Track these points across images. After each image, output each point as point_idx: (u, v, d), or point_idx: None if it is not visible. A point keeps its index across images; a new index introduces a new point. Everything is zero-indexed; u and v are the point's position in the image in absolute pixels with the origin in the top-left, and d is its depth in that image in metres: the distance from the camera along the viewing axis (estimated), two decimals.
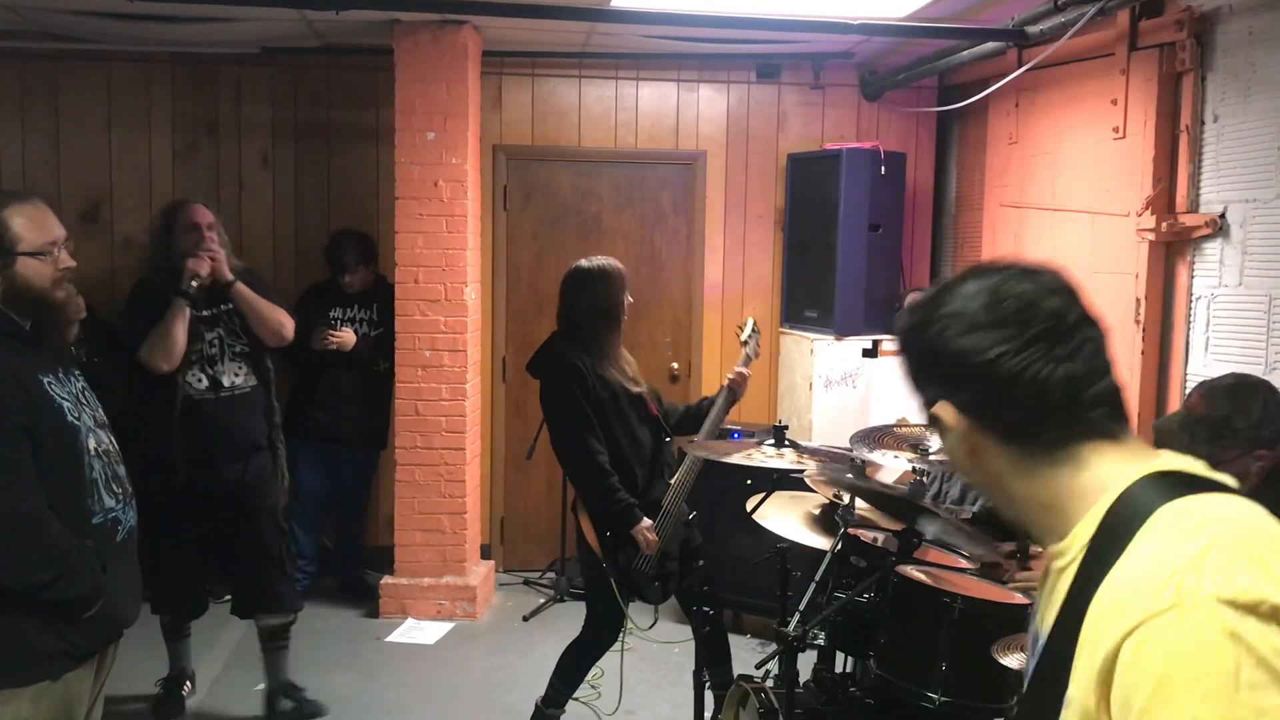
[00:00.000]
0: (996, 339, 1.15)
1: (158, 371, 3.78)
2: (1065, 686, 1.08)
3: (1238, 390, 2.47)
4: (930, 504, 2.97)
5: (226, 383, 3.92)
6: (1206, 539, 1.02)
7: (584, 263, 3.74)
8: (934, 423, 1.23)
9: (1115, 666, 1.00)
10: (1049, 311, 1.18)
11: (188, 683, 4.21)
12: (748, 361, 3.82)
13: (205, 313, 3.93)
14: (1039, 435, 1.16)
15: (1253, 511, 1.08)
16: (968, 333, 1.17)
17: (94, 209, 5.65)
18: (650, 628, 4.04)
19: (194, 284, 3.81)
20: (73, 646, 2.29)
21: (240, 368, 3.96)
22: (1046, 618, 1.17)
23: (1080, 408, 1.16)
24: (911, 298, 1.18)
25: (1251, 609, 0.96)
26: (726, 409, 3.75)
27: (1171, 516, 1.06)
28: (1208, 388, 2.53)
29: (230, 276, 3.92)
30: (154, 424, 3.83)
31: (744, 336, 3.86)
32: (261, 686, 4.21)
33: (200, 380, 3.87)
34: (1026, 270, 1.21)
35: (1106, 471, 1.14)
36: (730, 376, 3.77)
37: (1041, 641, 1.17)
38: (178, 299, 3.79)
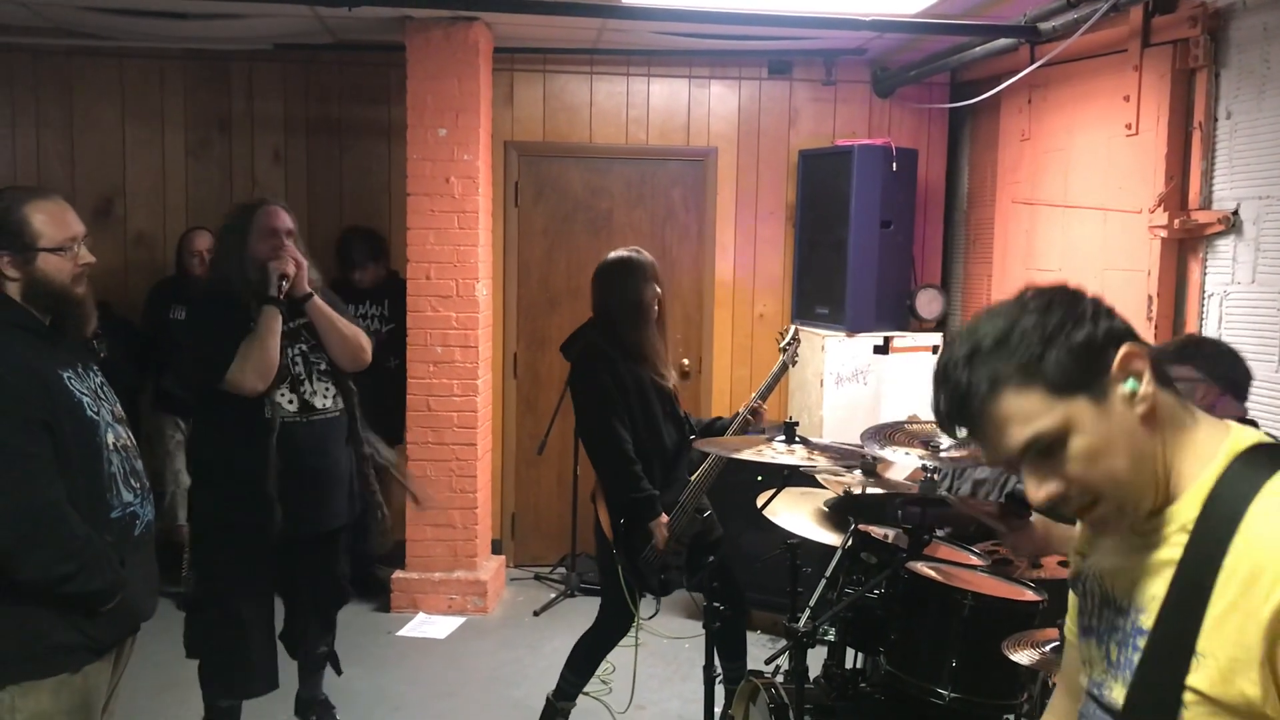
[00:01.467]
0: (1090, 307, 1.25)
1: (250, 392, 3.20)
2: (1191, 645, 1.17)
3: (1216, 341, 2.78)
4: (951, 496, 2.97)
5: (318, 404, 3.37)
6: None
7: (613, 254, 3.75)
8: (1095, 388, 1.21)
9: None
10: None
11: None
12: (784, 368, 3.80)
13: (284, 327, 3.35)
14: (1168, 375, 1.25)
15: None
16: (1091, 307, 1.25)
17: (107, 204, 5.69)
18: (651, 618, 4.04)
19: (284, 285, 3.30)
20: (91, 640, 2.31)
21: (328, 388, 3.41)
22: (1140, 584, 1.25)
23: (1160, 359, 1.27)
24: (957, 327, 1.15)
25: None
26: (739, 434, 3.74)
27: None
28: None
29: (308, 289, 3.40)
30: (239, 455, 3.23)
31: (783, 343, 3.84)
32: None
33: (290, 401, 3.31)
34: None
35: (1204, 432, 1.25)
36: (749, 409, 3.75)
37: (1146, 606, 1.24)
38: (268, 306, 3.26)
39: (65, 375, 2.30)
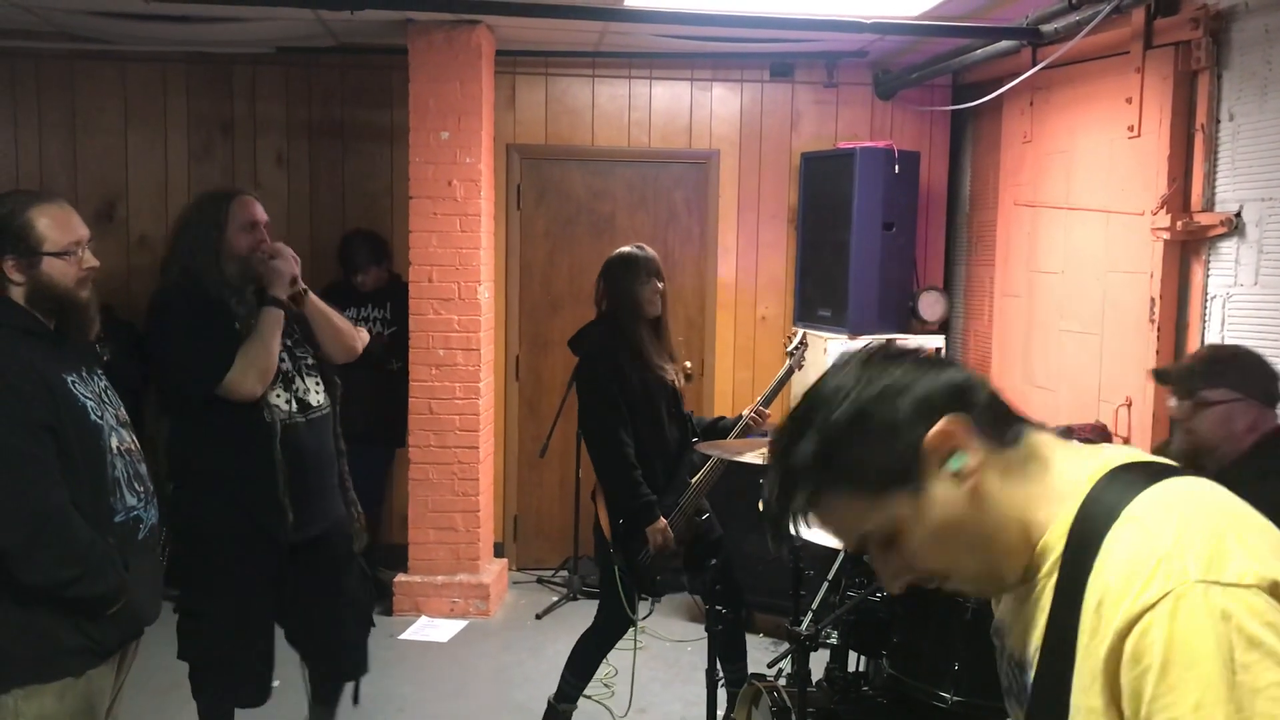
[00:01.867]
0: (909, 366, 1.14)
1: (248, 396, 3.04)
2: (1065, 699, 1.07)
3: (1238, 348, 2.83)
4: None
5: (313, 401, 3.20)
6: (1181, 523, 1.03)
7: (622, 250, 3.76)
8: (910, 480, 1.11)
9: (1121, 663, 1.01)
10: (901, 352, 1.18)
11: None
12: (790, 372, 3.80)
13: None
14: (1008, 426, 1.14)
15: (1212, 489, 1.10)
16: (886, 369, 1.14)
17: (110, 208, 5.69)
18: (646, 618, 4.03)
19: (295, 285, 3.17)
20: (95, 643, 2.31)
21: (318, 383, 3.25)
22: (1030, 638, 1.15)
23: (1005, 403, 1.17)
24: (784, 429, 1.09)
25: (1236, 584, 0.98)
26: (740, 437, 3.74)
27: (1141, 508, 1.06)
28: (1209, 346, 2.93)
29: (302, 285, 3.23)
30: (240, 461, 3.07)
31: (790, 347, 3.84)
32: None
33: (287, 401, 3.14)
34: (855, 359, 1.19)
35: (1069, 465, 1.14)
36: (753, 413, 3.75)
37: (1033, 659, 1.15)
38: (270, 308, 3.09)
39: (69, 379, 2.31)
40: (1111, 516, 1.07)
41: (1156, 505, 1.06)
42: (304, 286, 3.23)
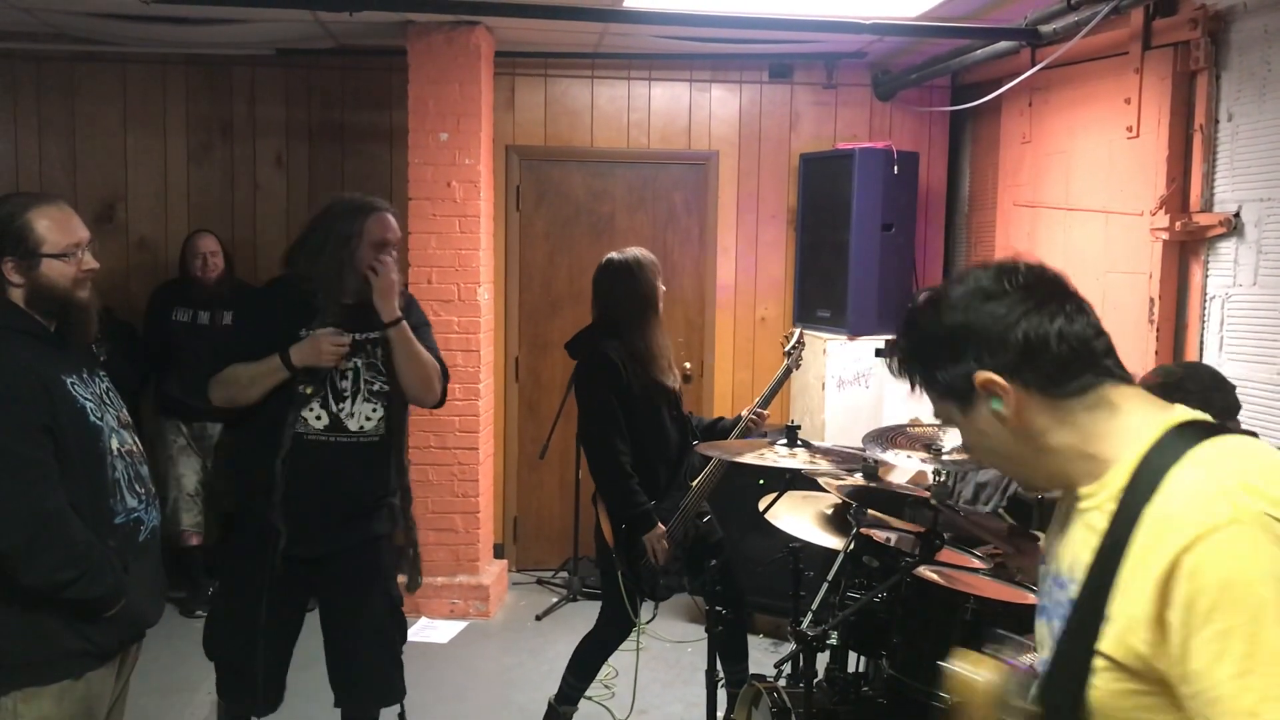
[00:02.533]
0: (1017, 300, 1.29)
1: (224, 406, 3.06)
2: (1103, 609, 1.20)
3: (1192, 365, 2.83)
4: (953, 504, 2.97)
5: (353, 426, 3.06)
6: (1246, 466, 1.18)
7: (614, 255, 3.73)
8: (965, 401, 1.33)
9: (1174, 576, 1.12)
10: (1052, 279, 1.35)
11: None
12: (788, 372, 3.79)
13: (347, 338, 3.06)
14: (1074, 380, 1.28)
15: (1267, 446, 1.26)
16: (990, 300, 1.30)
17: (109, 209, 5.70)
18: (649, 622, 4.04)
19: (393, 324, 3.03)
20: (94, 646, 2.30)
21: (374, 410, 3.09)
22: (1076, 556, 1.28)
23: (1099, 354, 1.30)
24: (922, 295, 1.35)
25: None
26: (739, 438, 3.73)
27: (1206, 454, 1.20)
28: (1160, 367, 2.86)
29: (399, 313, 3.06)
30: (253, 469, 3.03)
31: (788, 347, 3.84)
32: None
33: (319, 418, 3.04)
34: (1018, 258, 1.39)
35: (1139, 417, 1.28)
36: (754, 412, 3.74)
37: (1075, 576, 1.27)
38: (333, 336, 2.99)
39: (69, 380, 2.30)
40: (1175, 458, 1.21)
41: (1219, 452, 1.21)
42: (398, 315, 3.07)
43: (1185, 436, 1.23)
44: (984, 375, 1.28)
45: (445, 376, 3.23)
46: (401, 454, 3.24)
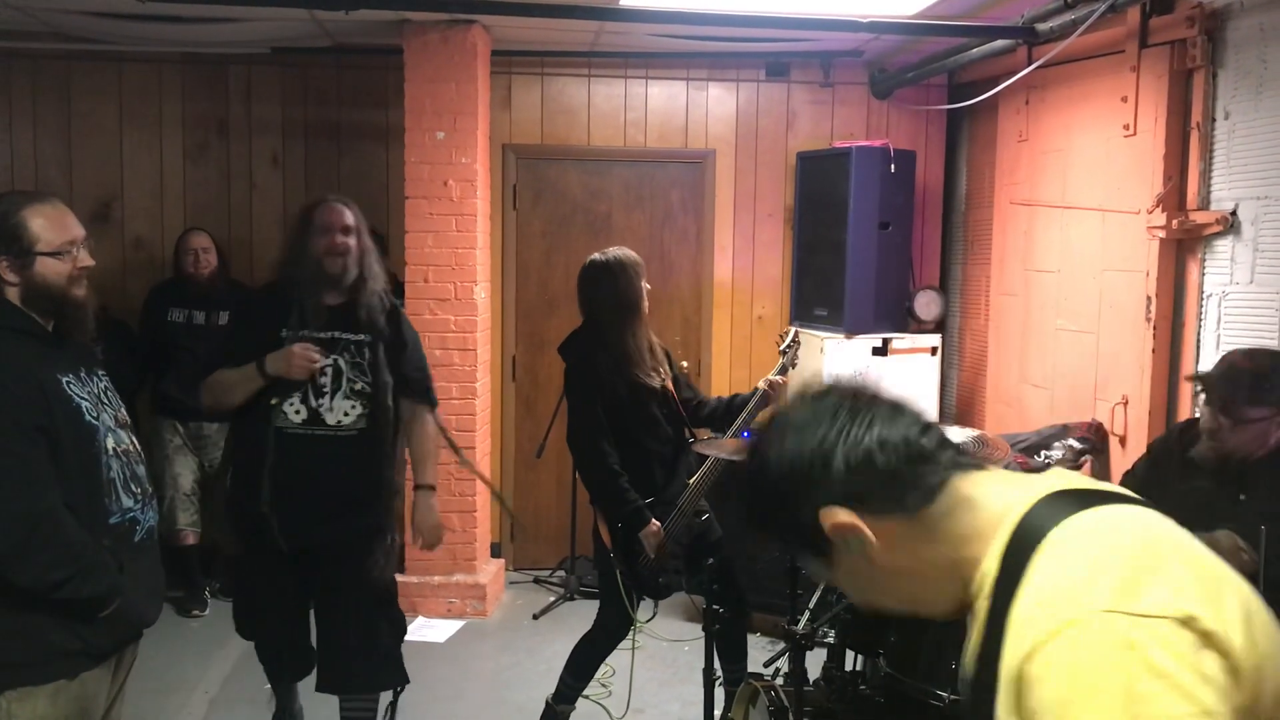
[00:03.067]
0: (828, 425, 1.18)
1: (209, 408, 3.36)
2: (991, 714, 1.08)
3: (1273, 352, 2.72)
4: None
5: (330, 420, 3.24)
6: (1100, 552, 1.04)
7: (597, 256, 3.73)
8: (825, 551, 1.18)
9: (1023, 685, 1.01)
10: (861, 388, 1.23)
11: None
12: (784, 371, 3.78)
13: (324, 335, 3.27)
14: (915, 490, 1.15)
15: (1147, 519, 1.11)
16: (802, 433, 1.18)
17: (105, 208, 5.69)
18: (648, 621, 4.03)
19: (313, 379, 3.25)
20: (90, 646, 2.30)
21: (354, 406, 3.27)
22: (969, 658, 1.17)
23: (933, 451, 1.18)
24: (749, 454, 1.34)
25: (1146, 614, 0.97)
26: (757, 411, 3.68)
27: (1065, 534, 1.07)
28: (1250, 349, 2.80)
29: (431, 481, 3.50)
30: (244, 461, 3.30)
31: (783, 346, 3.83)
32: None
33: (299, 412, 3.22)
34: (801, 398, 1.25)
35: (998, 503, 1.15)
36: (769, 381, 3.72)
37: (968, 683, 1.17)
38: (268, 359, 3.18)
39: (65, 380, 2.30)
40: (1036, 540, 1.08)
41: (1080, 532, 1.07)
42: (430, 483, 3.51)
43: (1049, 509, 1.11)
44: (829, 519, 1.15)
45: (432, 396, 3.57)
46: (385, 448, 3.36)
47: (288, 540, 3.25)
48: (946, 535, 1.16)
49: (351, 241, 3.30)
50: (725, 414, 3.80)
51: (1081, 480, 1.19)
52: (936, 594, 1.19)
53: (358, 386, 3.28)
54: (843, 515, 1.15)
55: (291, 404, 3.22)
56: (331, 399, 3.25)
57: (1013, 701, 1.03)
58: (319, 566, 3.34)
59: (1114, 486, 1.18)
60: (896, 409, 1.20)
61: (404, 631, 3.58)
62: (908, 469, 1.16)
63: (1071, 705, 0.96)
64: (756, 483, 1.22)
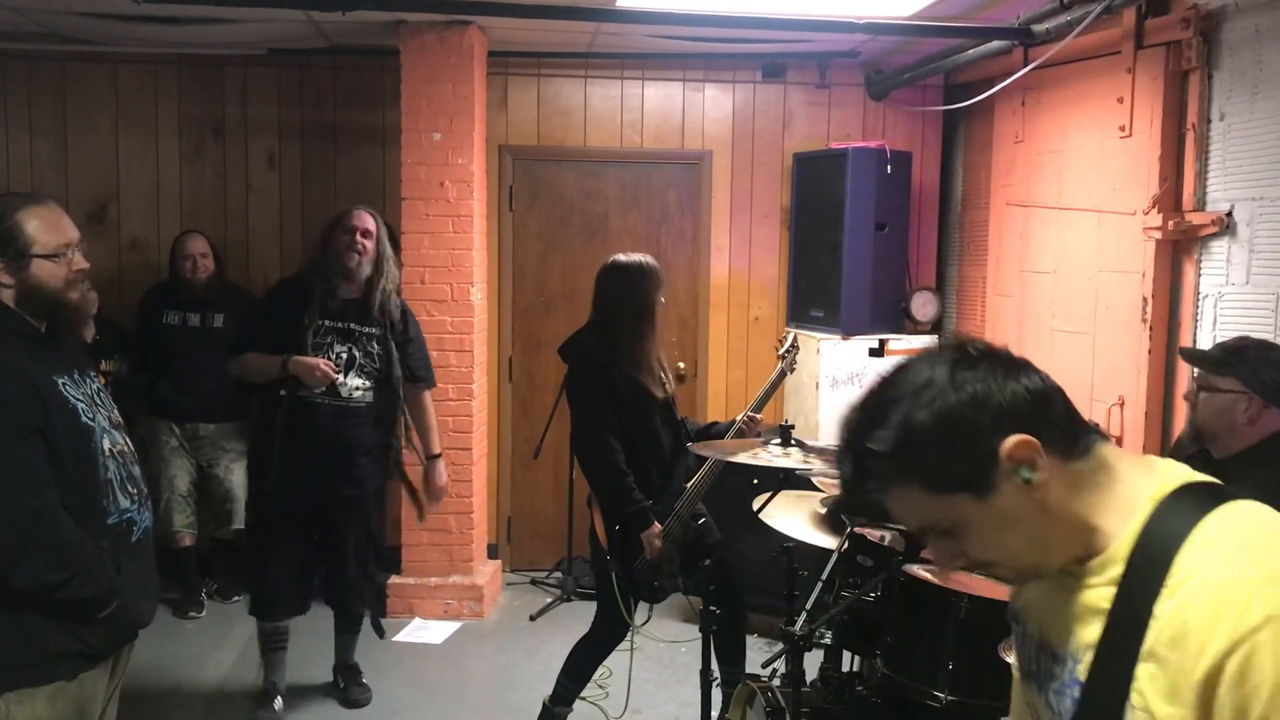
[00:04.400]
0: (992, 363, 1.19)
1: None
2: (1125, 695, 1.13)
3: (1259, 343, 2.79)
4: None
5: (343, 393, 3.88)
6: (1262, 551, 1.11)
7: (621, 257, 3.72)
8: (984, 486, 1.17)
9: (1219, 682, 1.07)
10: (997, 346, 1.23)
11: (279, 698, 4.10)
12: (782, 375, 3.77)
13: (339, 324, 3.90)
14: (1082, 438, 1.20)
15: (1273, 514, 1.17)
16: (972, 369, 1.18)
17: (101, 210, 5.68)
18: (644, 624, 4.04)
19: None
20: (87, 647, 2.29)
21: (364, 383, 3.93)
22: (1075, 634, 1.21)
23: (1076, 414, 1.21)
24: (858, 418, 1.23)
25: None
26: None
27: (1213, 534, 1.13)
28: (1245, 336, 2.95)
29: (436, 449, 4.25)
30: (262, 422, 3.95)
31: (782, 350, 3.82)
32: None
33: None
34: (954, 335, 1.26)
35: (1132, 481, 1.20)
36: (748, 415, 3.73)
37: (1072, 655, 1.22)
38: (296, 360, 3.81)
39: (60, 381, 2.30)
40: (1180, 538, 1.13)
41: (1229, 531, 1.14)
42: (437, 451, 4.28)
43: (1185, 506, 1.16)
44: (1013, 439, 1.15)
45: (431, 378, 4.29)
46: (394, 412, 4.03)
47: (301, 491, 3.86)
48: (1088, 495, 1.19)
49: (369, 243, 3.90)
50: (700, 439, 3.80)
51: (1191, 473, 1.22)
52: (1060, 552, 1.21)
53: (368, 369, 3.92)
54: (1027, 439, 1.15)
55: None
56: (346, 375, 3.88)
57: (1198, 693, 1.08)
58: (331, 514, 3.97)
59: (1217, 481, 1.22)
60: (1036, 369, 1.23)
61: (384, 569, 4.41)
62: (1076, 417, 1.20)
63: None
64: (913, 424, 1.16)
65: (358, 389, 3.89)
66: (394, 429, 4.06)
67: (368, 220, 3.94)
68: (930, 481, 1.17)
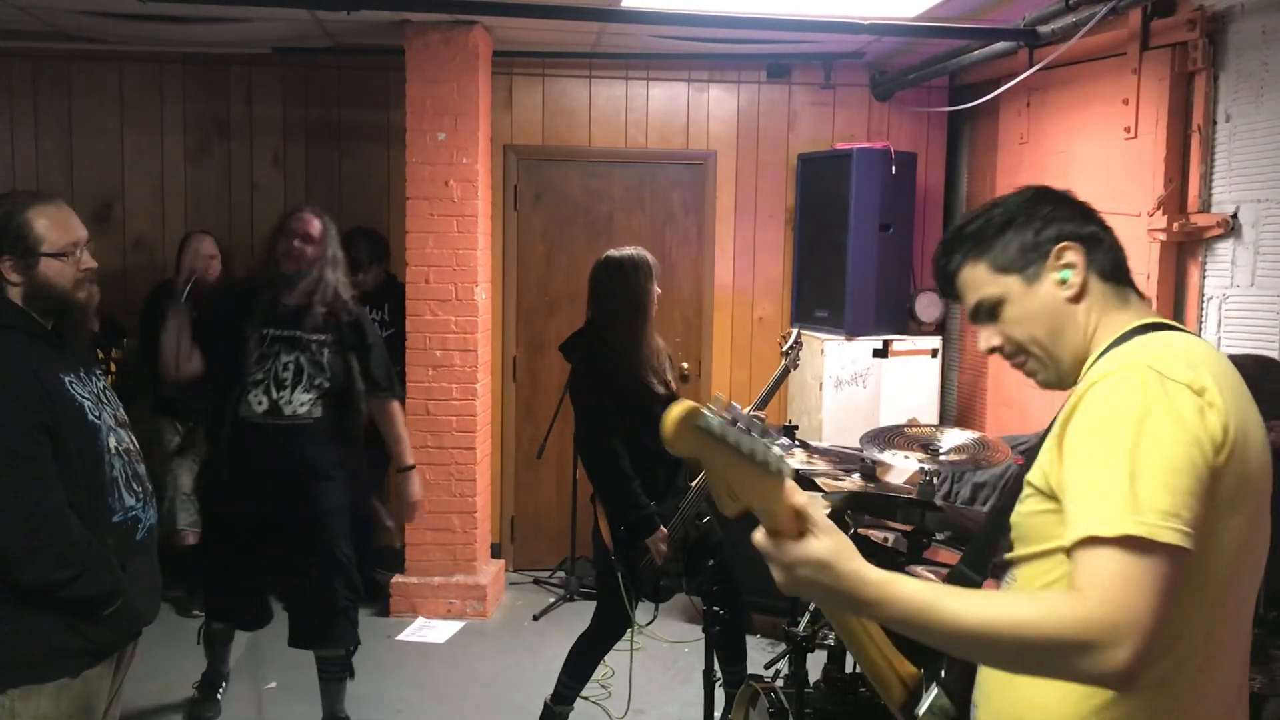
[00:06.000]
0: (1070, 211, 1.53)
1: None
2: (1037, 451, 1.43)
3: (1265, 360, 2.80)
4: (943, 503, 2.97)
5: (287, 411, 3.65)
6: (1157, 346, 1.37)
7: (613, 253, 3.71)
8: (1032, 269, 1.49)
9: (1074, 411, 1.34)
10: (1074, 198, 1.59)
11: (224, 684, 4.18)
12: (785, 373, 3.76)
13: (284, 333, 3.68)
14: (1113, 273, 1.50)
15: (1204, 343, 1.43)
16: (1056, 195, 1.54)
17: (106, 209, 5.69)
18: (649, 624, 4.04)
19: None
20: (92, 644, 2.30)
21: (312, 399, 3.69)
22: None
23: (1124, 266, 1.52)
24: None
25: (1172, 377, 1.29)
26: None
27: (1138, 338, 1.42)
28: (1256, 355, 2.94)
29: (408, 461, 3.99)
30: (213, 441, 3.79)
31: (785, 347, 3.81)
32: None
33: (260, 403, 3.64)
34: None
35: (1131, 314, 1.48)
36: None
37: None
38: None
39: (67, 379, 2.30)
40: (1125, 340, 1.43)
41: (1148, 338, 1.42)
42: (409, 463, 3.98)
43: (1145, 329, 1.44)
44: (1063, 245, 1.48)
45: (397, 384, 4.07)
46: (349, 427, 3.79)
47: (251, 510, 3.65)
48: (1098, 312, 1.48)
49: (309, 249, 3.72)
50: None
51: (1172, 322, 1.49)
52: (1068, 348, 1.50)
53: (317, 381, 3.69)
54: (1073, 246, 1.48)
55: (256, 394, 3.63)
56: (291, 392, 3.65)
57: (1059, 426, 1.36)
58: (279, 539, 3.71)
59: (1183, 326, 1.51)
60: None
61: (360, 595, 3.94)
62: (1117, 258, 1.51)
63: (1104, 413, 1.29)
64: (1006, 205, 1.54)
65: (303, 404, 3.66)
66: (355, 443, 3.85)
67: (311, 224, 3.75)
68: (995, 261, 1.52)
